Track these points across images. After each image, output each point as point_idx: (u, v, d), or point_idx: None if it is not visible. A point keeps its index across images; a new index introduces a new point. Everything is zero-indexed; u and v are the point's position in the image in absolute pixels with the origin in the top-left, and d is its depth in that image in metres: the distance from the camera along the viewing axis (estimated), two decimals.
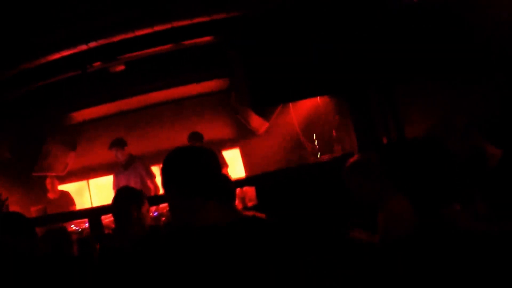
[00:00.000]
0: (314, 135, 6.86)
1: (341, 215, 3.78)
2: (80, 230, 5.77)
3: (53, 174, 7.37)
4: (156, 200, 5.11)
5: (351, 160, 3.34)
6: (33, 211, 6.08)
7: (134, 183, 6.50)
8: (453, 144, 3.82)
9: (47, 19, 4.47)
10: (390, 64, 4.95)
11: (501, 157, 3.43)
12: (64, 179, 8.04)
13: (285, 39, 5.04)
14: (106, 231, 5.21)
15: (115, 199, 3.46)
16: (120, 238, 3.36)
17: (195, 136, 6.68)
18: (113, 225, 5.53)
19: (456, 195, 3.50)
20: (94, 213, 5.04)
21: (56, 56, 4.99)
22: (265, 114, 6.59)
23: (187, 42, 5.53)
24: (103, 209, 5.10)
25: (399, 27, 4.92)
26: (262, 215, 2.62)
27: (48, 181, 7.17)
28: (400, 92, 5.35)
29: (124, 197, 3.44)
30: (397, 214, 3.04)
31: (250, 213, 2.88)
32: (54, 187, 7.19)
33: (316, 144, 6.82)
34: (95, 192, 8.51)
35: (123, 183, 6.52)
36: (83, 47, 4.88)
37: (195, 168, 1.89)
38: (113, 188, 6.81)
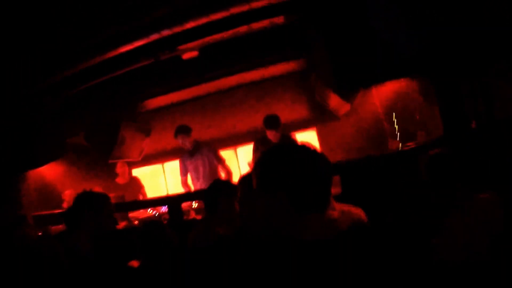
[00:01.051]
0: (395, 119, 6.44)
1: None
2: (157, 213, 5.78)
3: (129, 160, 7.41)
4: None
5: (432, 153, 3.05)
6: (111, 197, 6.09)
7: (202, 169, 6.41)
8: None
9: (122, 10, 4.31)
10: (481, 47, 4.50)
11: None
12: (140, 164, 8.10)
13: (368, 19, 4.69)
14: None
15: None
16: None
17: (272, 121, 5.94)
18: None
19: None
20: (174, 200, 5.09)
21: (129, 47, 4.86)
22: (347, 95, 6.18)
23: (262, 24, 5.24)
24: (183, 197, 5.27)
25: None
26: (359, 210, 2.53)
27: (118, 165, 7.24)
28: (492, 73, 4.88)
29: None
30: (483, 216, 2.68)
31: (345, 207, 2.60)
32: (124, 173, 7.24)
33: (396, 128, 6.41)
34: (169, 175, 8.58)
35: (191, 169, 6.48)
36: (156, 36, 4.67)
37: (310, 177, 1.56)
38: (181, 174, 6.66)
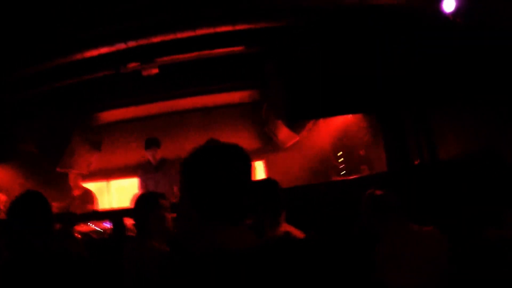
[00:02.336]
0: (340, 152, 6.77)
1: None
2: (101, 230, 5.75)
3: (77, 172, 7.37)
4: None
5: (373, 193, 3.25)
6: (55, 206, 6.04)
7: (163, 185, 6.42)
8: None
9: (89, 15, 4.46)
10: (425, 86, 4.90)
11: None
12: (85, 178, 8.03)
13: (324, 54, 5.01)
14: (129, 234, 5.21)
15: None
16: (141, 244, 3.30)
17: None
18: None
19: (490, 218, 3.42)
20: (118, 215, 5.00)
21: (93, 53, 4.97)
22: (296, 127, 6.50)
23: (223, 50, 5.52)
24: (127, 212, 4.97)
25: (436, 49, 4.80)
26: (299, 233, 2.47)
27: (71, 177, 7.16)
28: (434, 113, 5.26)
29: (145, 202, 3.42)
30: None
31: (292, 229, 2.74)
32: (77, 184, 7.18)
33: (340, 162, 6.73)
34: (115, 193, 8.50)
35: (151, 184, 6.53)
36: (122, 45, 4.84)
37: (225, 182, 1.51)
38: (139, 188, 6.76)
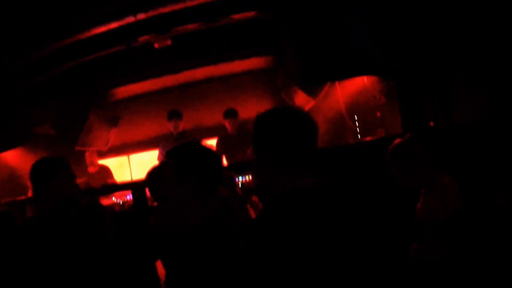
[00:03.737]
0: (355, 116, 6.69)
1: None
2: (121, 202, 5.82)
3: (95, 149, 7.43)
4: None
5: (394, 143, 3.13)
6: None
7: None
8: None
9: None
10: (444, 54, 4.78)
11: None
12: (105, 154, 8.12)
13: (338, 17, 4.93)
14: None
15: None
16: None
17: (231, 113, 6.67)
18: None
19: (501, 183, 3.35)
20: (138, 186, 5.00)
21: (102, 29, 4.94)
22: (312, 91, 6.45)
23: (235, 16, 5.42)
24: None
25: (454, 14, 4.65)
26: None
27: (87, 155, 7.28)
28: (451, 79, 5.16)
29: None
30: (447, 193, 2.91)
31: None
32: (93, 161, 7.29)
33: (357, 124, 6.66)
34: (135, 167, 8.53)
35: None
36: (131, 19, 4.79)
37: (297, 134, 1.70)
38: (159, 159, 6.86)
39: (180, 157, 2.15)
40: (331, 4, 4.93)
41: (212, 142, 7.30)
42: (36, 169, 3.07)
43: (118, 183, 6.95)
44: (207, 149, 2.20)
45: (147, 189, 5.03)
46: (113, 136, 7.93)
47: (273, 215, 1.61)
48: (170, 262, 2.26)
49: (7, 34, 4.72)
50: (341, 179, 1.76)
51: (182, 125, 6.85)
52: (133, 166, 8.59)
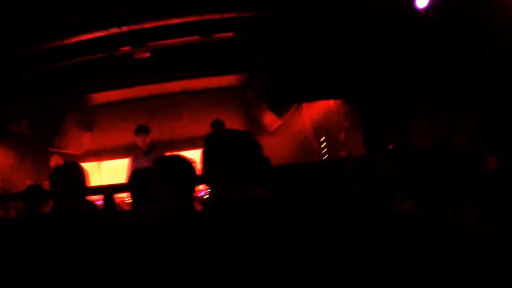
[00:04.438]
0: (323, 137, 7.00)
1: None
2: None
3: (68, 152, 7.58)
4: None
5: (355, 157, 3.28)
6: (45, 184, 6.30)
7: None
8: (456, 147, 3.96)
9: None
10: (404, 76, 5.16)
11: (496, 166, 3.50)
12: (78, 159, 8.23)
13: (307, 42, 5.27)
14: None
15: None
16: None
17: (218, 123, 6.91)
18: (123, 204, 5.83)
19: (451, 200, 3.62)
20: (108, 190, 5.25)
21: (88, 36, 5.19)
22: (279, 111, 6.78)
23: (212, 36, 5.75)
24: (117, 187, 5.33)
25: (417, 42, 5.09)
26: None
27: (53, 159, 7.36)
28: (410, 103, 5.52)
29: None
30: None
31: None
32: (58, 164, 7.30)
33: (322, 145, 6.97)
34: (106, 174, 8.72)
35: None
36: (115, 30, 5.09)
37: (247, 152, 2.01)
38: (129, 171, 6.99)
39: (164, 165, 2.73)
40: (300, 32, 5.26)
41: (185, 153, 7.55)
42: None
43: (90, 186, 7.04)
44: (186, 160, 2.73)
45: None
46: (87, 140, 8.11)
47: (227, 219, 1.93)
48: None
49: None
50: (291, 191, 2.13)
51: (149, 139, 6.99)
52: (104, 173, 8.74)
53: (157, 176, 2.70)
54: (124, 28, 5.08)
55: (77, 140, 7.81)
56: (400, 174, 3.86)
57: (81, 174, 3.41)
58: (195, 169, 2.71)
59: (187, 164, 2.73)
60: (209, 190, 2.38)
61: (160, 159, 2.87)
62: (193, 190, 2.74)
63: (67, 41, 5.26)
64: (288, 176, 4.82)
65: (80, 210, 3.26)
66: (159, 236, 2.53)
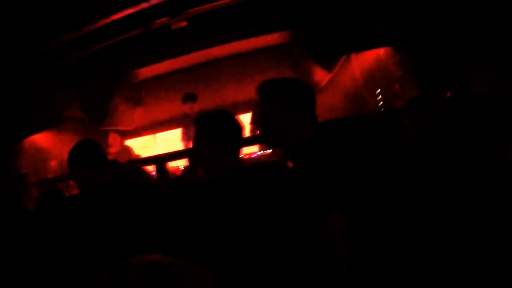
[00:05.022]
0: (374, 88, 6.70)
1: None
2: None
3: (122, 128, 7.67)
4: None
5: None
6: None
7: None
8: None
9: None
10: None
11: None
12: (132, 134, 8.35)
13: None
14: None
15: None
16: None
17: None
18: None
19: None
20: (161, 160, 5.43)
21: (120, 15, 5.08)
22: (328, 65, 6.51)
23: None
24: (168, 156, 5.53)
25: None
26: None
27: (111, 137, 7.48)
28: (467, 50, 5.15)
29: None
30: None
31: None
32: (116, 142, 7.48)
33: (378, 98, 6.68)
34: (162, 145, 8.79)
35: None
36: (145, 4, 4.92)
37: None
38: (183, 139, 7.13)
39: (209, 124, 2.65)
40: None
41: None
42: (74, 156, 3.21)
43: (141, 158, 7.22)
44: (232, 117, 2.68)
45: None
46: (138, 115, 8.16)
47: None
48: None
49: (32, 21, 4.92)
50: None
51: (198, 106, 6.99)
52: (160, 144, 8.85)
53: (201, 135, 2.62)
54: (154, 1, 4.89)
55: (127, 116, 7.90)
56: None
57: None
58: (241, 126, 2.66)
59: (233, 121, 2.65)
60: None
61: (204, 117, 2.74)
62: (238, 149, 2.68)
63: (100, 24, 5.17)
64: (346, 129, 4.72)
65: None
66: (206, 196, 2.52)
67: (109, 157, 7.13)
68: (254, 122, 6.51)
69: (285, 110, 2.27)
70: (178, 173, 5.73)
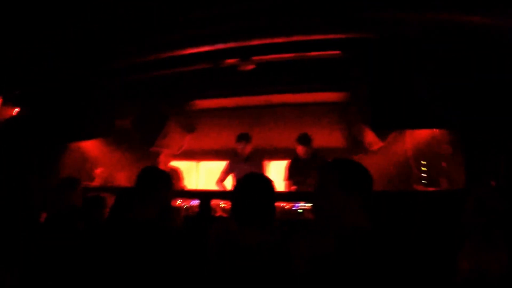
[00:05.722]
0: (423, 162, 6.71)
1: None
2: (186, 206, 6.15)
3: (168, 152, 7.83)
4: None
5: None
6: None
7: None
8: None
9: (193, 16, 4.79)
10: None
11: None
12: (176, 157, 8.52)
13: (414, 67, 5.03)
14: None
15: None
16: None
17: (305, 138, 6.89)
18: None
19: None
20: (206, 196, 5.59)
21: (196, 50, 5.32)
22: (381, 134, 6.59)
23: (316, 53, 5.69)
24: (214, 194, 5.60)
25: None
26: None
27: (161, 156, 7.58)
28: None
29: None
30: None
31: None
32: (166, 163, 7.59)
33: (422, 171, 6.69)
34: (203, 173, 9.04)
35: (241, 173, 6.81)
36: (221, 45, 5.16)
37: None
38: (223, 172, 7.28)
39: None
40: (408, 56, 5.03)
41: (280, 164, 7.60)
42: (146, 178, 3.34)
43: (187, 189, 7.30)
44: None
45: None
46: (187, 142, 8.35)
47: None
48: None
49: (117, 37, 5.19)
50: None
51: (249, 147, 7.11)
52: (201, 172, 9.06)
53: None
54: (231, 44, 5.12)
55: (177, 142, 8.10)
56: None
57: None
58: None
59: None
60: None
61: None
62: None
63: (176, 53, 5.44)
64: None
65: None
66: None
67: None
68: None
69: (345, 194, 2.27)
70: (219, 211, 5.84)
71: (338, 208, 2.26)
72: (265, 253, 2.57)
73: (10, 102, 6.25)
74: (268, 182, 2.85)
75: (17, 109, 6.36)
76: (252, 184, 2.80)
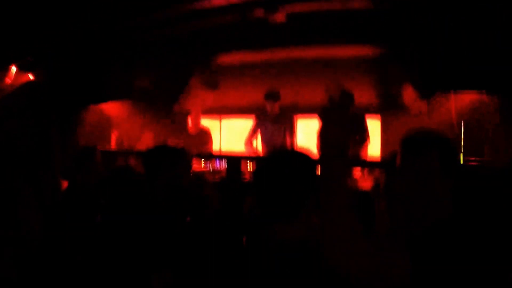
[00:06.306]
0: (464, 130, 6.24)
1: None
2: (211, 170, 6.00)
3: (198, 110, 7.48)
4: None
5: None
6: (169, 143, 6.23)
7: (277, 136, 6.77)
8: None
9: None
10: None
11: None
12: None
13: (465, 24, 4.65)
14: None
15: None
16: None
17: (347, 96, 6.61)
18: None
19: None
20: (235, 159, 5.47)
21: (222, 1, 4.98)
22: (426, 94, 6.14)
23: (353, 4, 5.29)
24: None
25: None
26: None
27: (192, 114, 7.26)
28: None
29: None
30: None
31: None
32: (197, 122, 7.25)
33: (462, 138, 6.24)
34: (225, 131, 8.70)
35: (268, 133, 6.84)
36: None
37: None
38: (250, 132, 7.04)
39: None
40: (461, 14, 4.61)
41: (308, 120, 7.29)
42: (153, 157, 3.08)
43: (215, 153, 7.14)
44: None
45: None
46: (211, 99, 7.98)
47: None
48: None
49: None
50: None
51: (277, 106, 6.84)
52: (224, 130, 8.72)
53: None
54: None
55: (201, 99, 7.78)
56: None
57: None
58: None
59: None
60: None
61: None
62: None
63: (201, 6, 5.05)
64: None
65: None
66: None
67: (185, 137, 6.92)
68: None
69: (441, 181, 1.74)
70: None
71: (435, 196, 1.74)
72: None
73: (25, 69, 5.88)
74: (304, 162, 1.89)
75: (32, 76, 6.00)
76: (281, 169, 1.82)
